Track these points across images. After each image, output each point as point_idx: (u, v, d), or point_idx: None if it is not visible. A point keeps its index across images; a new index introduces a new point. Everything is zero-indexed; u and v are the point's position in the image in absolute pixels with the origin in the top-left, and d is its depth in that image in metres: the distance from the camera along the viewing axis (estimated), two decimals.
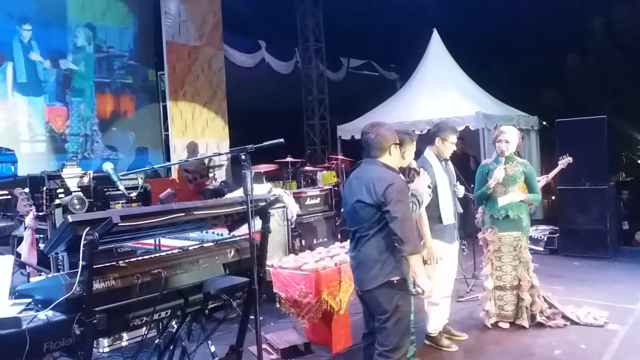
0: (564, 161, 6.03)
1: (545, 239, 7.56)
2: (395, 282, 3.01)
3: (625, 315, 4.75)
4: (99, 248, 2.53)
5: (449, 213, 4.08)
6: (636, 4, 13.46)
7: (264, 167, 7.58)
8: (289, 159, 8.02)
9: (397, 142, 3.19)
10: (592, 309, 4.76)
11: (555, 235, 7.52)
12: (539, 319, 4.56)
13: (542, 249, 7.48)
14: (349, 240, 4.80)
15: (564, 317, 4.63)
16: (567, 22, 14.50)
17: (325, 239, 7.14)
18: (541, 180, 5.66)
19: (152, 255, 2.54)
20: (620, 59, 14.38)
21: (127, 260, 2.38)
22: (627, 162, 16.63)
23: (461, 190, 4.34)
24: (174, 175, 8.69)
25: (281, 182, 8.13)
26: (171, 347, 3.13)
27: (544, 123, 10.08)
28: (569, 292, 5.48)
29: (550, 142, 8.20)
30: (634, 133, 14.29)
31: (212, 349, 3.56)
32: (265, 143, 2.78)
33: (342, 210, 3.57)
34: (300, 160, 8.79)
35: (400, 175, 3.31)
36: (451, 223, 4.12)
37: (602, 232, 7.15)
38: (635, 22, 13.72)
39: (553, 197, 8.59)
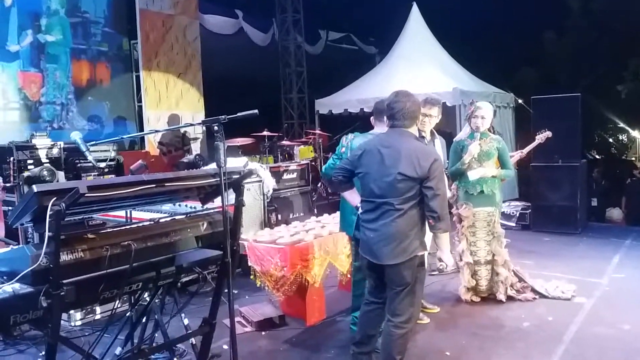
0: (542, 135, 5.89)
1: (518, 215, 7.69)
2: (420, 256, 3.03)
3: (592, 289, 4.89)
4: (69, 220, 2.48)
5: None
6: None
7: (240, 141, 7.50)
8: (265, 133, 7.94)
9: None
10: (561, 282, 4.88)
11: (527, 211, 7.65)
12: (509, 292, 4.66)
13: (514, 224, 7.61)
14: (328, 214, 4.80)
15: (533, 290, 4.73)
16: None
17: (301, 214, 7.14)
18: (515, 155, 5.69)
19: (122, 227, 2.49)
20: (596, 38, 14.51)
21: (96, 232, 2.33)
22: (599, 140, 16.96)
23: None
24: (148, 147, 8.54)
25: (258, 156, 8.07)
26: (144, 320, 3.11)
27: (520, 101, 10.16)
28: (539, 266, 5.61)
29: (526, 119, 8.28)
30: (606, 112, 14.53)
31: (186, 321, 3.55)
32: (239, 114, 2.72)
33: (339, 173, 3.30)
34: (277, 134, 8.72)
35: None
36: None
37: (572, 209, 7.30)
38: (612, 1, 13.81)
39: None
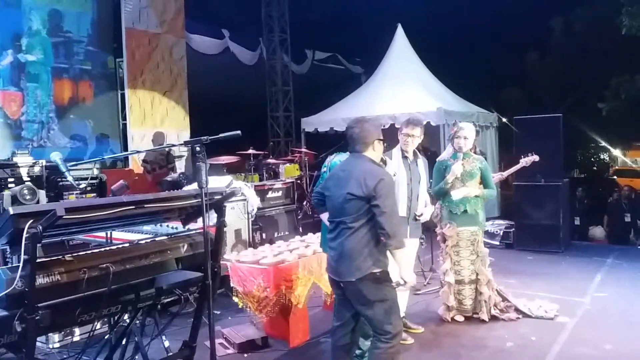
0: (528, 159, 5.89)
1: (501, 234, 7.74)
2: (378, 274, 3.06)
3: (575, 308, 4.91)
4: (48, 241, 2.44)
5: (397, 206, 4.07)
6: (595, 6, 13.87)
7: (225, 159, 7.47)
8: (251, 151, 7.94)
9: (381, 137, 3.24)
10: (544, 302, 4.90)
11: (511, 230, 7.70)
12: (492, 311, 4.66)
13: (498, 243, 7.65)
14: (312, 233, 4.81)
15: (517, 310, 4.74)
16: (528, 21, 14.86)
17: (286, 233, 7.11)
18: (495, 177, 5.73)
19: (100, 249, 2.46)
20: (578, 59, 14.81)
21: (73, 254, 2.30)
22: (581, 159, 17.21)
23: (424, 216, 4.23)
24: (132, 165, 8.49)
25: (243, 174, 8.05)
26: (123, 342, 3.05)
27: (504, 120, 10.30)
28: (523, 285, 5.63)
29: (509, 139, 8.38)
30: (589, 131, 14.77)
31: (166, 344, 3.49)
32: (221, 135, 2.72)
33: (315, 197, 3.48)
34: (262, 152, 8.72)
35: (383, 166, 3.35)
36: (401, 216, 4.09)
37: (555, 227, 7.36)
38: (594, 23, 14.14)
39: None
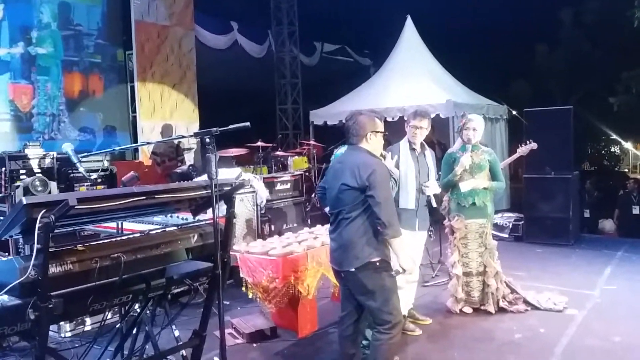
0: (525, 148, 5.82)
1: (511, 226, 7.71)
2: (377, 263, 3.09)
3: (584, 301, 4.90)
4: (60, 231, 2.47)
5: (406, 198, 4.09)
6: None
7: (234, 151, 7.50)
8: (259, 144, 7.95)
9: (377, 130, 3.26)
10: (553, 294, 4.89)
11: (520, 223, 7.67)
12: (501, 303, 4.66)
13: (507, 235, 7.62)
14: (321, 225, 4.85)
15: (525, 302, 4.74)
16: (538, 13, 14.70)
17: (295, 225, 7.13)
18: None
19: (112, 239, 2.49)
20: (588, 51, 14.66)
21: (85, 244, 2.33)
22: (592, 152, 17.07)
23: (430, 189, 4.20)
24: (141, 157, 8.54)
25: (252, 166, 8.07)
26: (134, 332, 3.09)
27: (514, 112, 10.23)
28: (531, 278, 5.62)
29: (519, 131, 8.34)
30: (599, 124, 14.64)
31: (176, 333, 3.53)
32: (230, 126, 2.73)
33: (319, 191, 3.61)
34: (271, 145, 8.73)
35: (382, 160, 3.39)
36: (410, 209, 4.11)
37: (565, 220, 7.32)
38: (603, 15, 13.97)
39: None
